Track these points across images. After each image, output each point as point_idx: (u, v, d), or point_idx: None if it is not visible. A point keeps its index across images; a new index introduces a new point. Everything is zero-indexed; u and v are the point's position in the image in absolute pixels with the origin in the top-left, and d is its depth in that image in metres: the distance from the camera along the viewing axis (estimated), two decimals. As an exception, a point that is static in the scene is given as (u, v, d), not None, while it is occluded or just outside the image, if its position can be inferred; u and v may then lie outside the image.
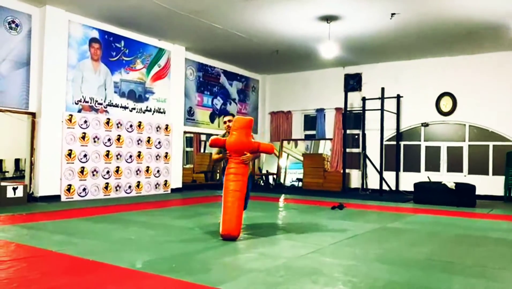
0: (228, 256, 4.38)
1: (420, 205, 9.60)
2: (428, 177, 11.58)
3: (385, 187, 12.18)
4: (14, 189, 8.17)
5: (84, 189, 9.29)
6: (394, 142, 12.69)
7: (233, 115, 5.97)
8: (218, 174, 14.51)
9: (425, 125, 12.39)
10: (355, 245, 5.06)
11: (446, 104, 12.09)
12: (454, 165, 12.03)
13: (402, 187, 12.50)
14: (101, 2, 8.58)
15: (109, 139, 9.84)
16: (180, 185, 11.83)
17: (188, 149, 15.31)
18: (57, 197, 8.82)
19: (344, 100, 13.02)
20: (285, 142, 14.85)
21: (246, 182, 5.41)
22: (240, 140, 5.34)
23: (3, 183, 8.20)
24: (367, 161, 12.84)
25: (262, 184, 14.34)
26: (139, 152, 10.56)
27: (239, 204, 5.22)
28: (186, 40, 11.24)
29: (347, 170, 13.04)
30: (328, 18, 9.10)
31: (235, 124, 5.45)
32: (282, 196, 11.26)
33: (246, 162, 5.39)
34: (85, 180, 9.33)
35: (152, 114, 11.00)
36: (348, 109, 13.16)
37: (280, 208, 9.02)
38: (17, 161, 16.60)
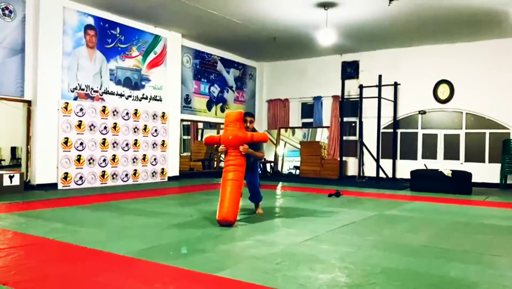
0: (226, 244, 4.39)
1: (417, 193, 9.64)
2: (425, 164, 11.62)
3: (381, 174, 12.21)
4: (11, 177, 8.14)
5: (81, 178, 9.27)
6: (391, 130, 12.69)
7: (253, 116, 5.96)
8: (215, 162, 14.50)
9: (422, 112, 12.38)
10: (351, 233, 5.08)
11: (443, 91, 12.08)
12: (451, 153, 12.06)
13: (398, 175, 12.54)
14: (96, -12, 8.46)
15: (105, 127, 9.79)
16: (177, 173, 11.82)
17: (185, 137, 15.28)
18: (54, 185, 8.80)
19: (341, 88, 12.96)
20: (282, 130, 14.83)
21: (243, 172, 5.48)
22: (234, 134, 5.50)
23: (-1, 172, 8.16)
24: (364, 149, 12.85)
25: (260, 172, 14.34)
26: (136, 140, 10.52)
27: (237, 192, 5.29)
28: (182, 27, 11.13)
29: (344, 158, 13.05)
30: (326, 5, 9.02)
31: (227, 119, 5.66)
32: (280, 184, 11.28)
33: (243, 153, 5.45)
34: (82, 168, 9.30)
35: (149, 101, 10.94)
36: (345, 96, 13.11)
37: (277, 196, 9.03)
38: (13, 149, 16.54)
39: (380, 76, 12.00)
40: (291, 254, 3.93)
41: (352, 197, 8.73)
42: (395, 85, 12.57)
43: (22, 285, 2.89)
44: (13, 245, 4.13)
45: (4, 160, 16.09)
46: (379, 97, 11.95)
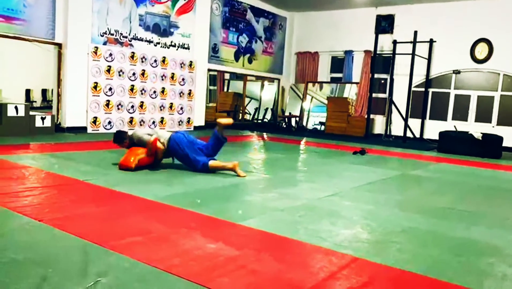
0: (250, 194, 4.47)
1: (444, 154, 9.48)
2: (454, 126, 11.34)
3: (409, 134, 12.02)
4: (43, 118, 8.37)
5: (109, 122, 9.46)
6: (423, 89, 12.33)
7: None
8: (240, 114, 14.52)
9: (457, 72, 11.94)
10: (375, 191, 5.08)
11: (481, 51, 11.54)
12: (483, 115, 11.70)
13: (426, 135, 12.31)
14: None
15: (133, 74, 9.84)
16: (203, 123, 11.92)
17: (212, 87, 15.24)
18: (84, 129, 9.03)
19: (374, 43, 12.54)
20: (309, 85, 14.61)
21: None
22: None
23: (31, 113, 8.39)
24: (393, 107, 12.59)
25: (285, 126, 14.33)
26: (163, 88, 10.57)
27: None
28: (213, -27, 10.81)
29: (371, 116, 12.85)
30: (364, -47, 8.56)
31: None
32: (304, 139, 11.27)
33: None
34: (110, 113, 9.47)
35: (177, 49, 10.86)
36: (377, 52, 12.71)
37: (301, 151, 9.05)
38: (44, 92, 16.89)
39: (415, 32, 11.52)
40: (313, 208, 3.98)
41: (377, 155, 8.66)
42: (431, 42, 12.06)
43: (56, 223, 3.04)
44: (46, 185, 4.31)
45: (35, 101, 16.50)
46: (413, 54, 11.53)
